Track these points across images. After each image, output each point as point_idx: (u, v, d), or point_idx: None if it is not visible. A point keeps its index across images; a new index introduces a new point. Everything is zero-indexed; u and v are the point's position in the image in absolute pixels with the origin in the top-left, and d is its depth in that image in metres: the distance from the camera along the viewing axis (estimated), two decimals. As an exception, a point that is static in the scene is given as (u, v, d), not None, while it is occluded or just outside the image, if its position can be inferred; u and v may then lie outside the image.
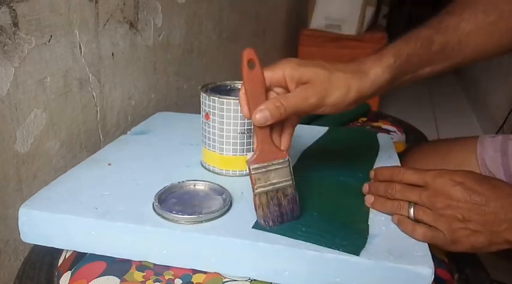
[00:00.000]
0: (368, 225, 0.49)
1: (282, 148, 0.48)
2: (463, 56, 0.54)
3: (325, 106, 0.47)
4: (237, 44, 1.32)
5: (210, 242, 0.46)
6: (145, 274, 0.47)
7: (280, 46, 1.98)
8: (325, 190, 0.56)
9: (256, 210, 0.47)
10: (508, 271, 0.77)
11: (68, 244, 0.49)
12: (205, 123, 0.58)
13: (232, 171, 0.59)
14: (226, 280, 0.46)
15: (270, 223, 0.47)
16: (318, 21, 1.92)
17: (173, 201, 0.51)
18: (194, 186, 0.55)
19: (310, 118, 0.90)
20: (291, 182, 0.48)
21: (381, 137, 0.75)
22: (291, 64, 0.46)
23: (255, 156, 0.46)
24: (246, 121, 0.56)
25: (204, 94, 0.57)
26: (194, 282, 0.46)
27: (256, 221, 0.48)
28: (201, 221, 0.47)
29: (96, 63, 0.72)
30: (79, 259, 0.50)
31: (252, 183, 0.46)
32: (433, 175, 0.48)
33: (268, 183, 0.47)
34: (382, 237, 0.47)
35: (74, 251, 0.51)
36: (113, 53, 0.76)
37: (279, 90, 0.47)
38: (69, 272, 0.49)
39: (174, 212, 0.48)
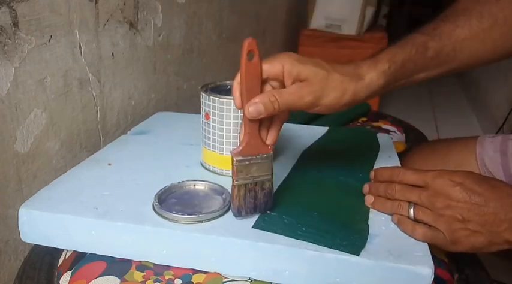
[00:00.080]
0: (368, 225, 0.49)
1: (268, 142, 0.48)
2: (458, 62, 0.55)
3: (320, 106, 0.47)
4: (237, 44, 1.32)
5: (210, 242, 0.46)
6: (145, 274, 0.47)
7: (280, 46, 1.98)
8: (325, 190, 0.56)
9: (232, 199, 0.47)
10: (508, 271, 0.77)
11: (68, 244, 0.49)
12: (205, 123, 0.58)
13: (232, 171, 0.59)
14: (226, 280, 0.46)
15: (243, 213, 0.48)
16: (318, 21, 1.92)
17: (173, 201, 0.51)
18: (194, 186, 0.55)
19: (310, 118, 0.90)
20: (270, 177, 0.48)
21: (381, 137, 0.75)
22: (290, 59, 0.46)
23: (240, 147, 0.47)
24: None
25: (204, 94, 0.58)
26: (194, 282, 0.46)
27: (256, 221, 0.48)
28: (201, 221, 0.47)
29: (96, 63, 0.72)
30: (79, 259, 0.50)
31: (233, 173, 0.47)
32: (432, 175, 0.48)
33: (249, 175, 0.47)
34: (382, 237, 0.47)
35: (74, 251, 0.51)
36: (112, 53, 0.76)
37: (274, 83, 0.47)
38: (69, 272, 0.49)
39: (174, 212, 0.48)
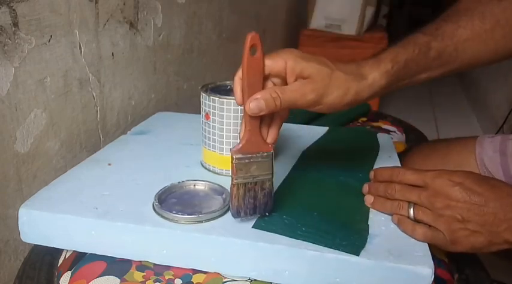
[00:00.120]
0: (368, 225, 0.49)
1: (268, 140, 0.47)
2: (460, 62, 0.55)
3: (322, 104, 0.46)
4: (237, 44, 1.32)
5: (210, 242, 0.46)
6: (145, 274, 0.47)
7: (280, 46, 1.97)
8: (325, 190, 0.56)
9: (231, 199, 0.46)
10: (508, 271, 0.77)
11: (68, 244, 0.49)
12: (205, 123, 0.58)
13: (232, 171, 0.59)
14: (226, 280, 0.46)
15: (242, 214, 0.47)
16: (318, 21, 1.92)
17: (173, 201, 0.51)
18: (194, 186, 0.55)
19: (310, 118, 0.90)
20: (270, 176, 0.47)
21: (381, 137, 0.75)
22: (293, 56, 0.45)
23: (240, 145, 0.45)
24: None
25: (204, 94, 0.58)
26: (194, 282, 0.46)
27: (256, 221, 0.48)
28: (201, 221, 0.47)
29: (96, 63, 0.72)
30: (79, 259, 0.50)
31: (232, 171, 0.46)
32: (432, 175, 0.48)
33: (249, 174, 0.46)
34: (382, 237, 0.47)
35: (74, 251, 0.51)
36: (113, 53, 0.76)
37: (276, 80, 0.46)
38: (69, 272, 0.49)
39: (174, 212, 0.48)
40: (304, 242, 0.45)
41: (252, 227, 0.47)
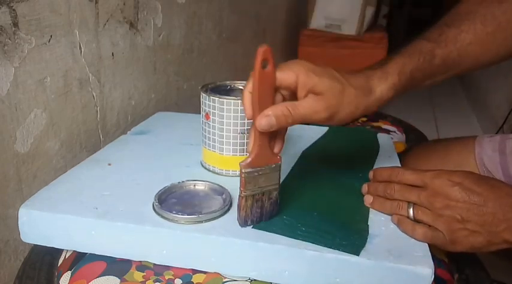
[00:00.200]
0: (368, 225, 0.49)
1: (275, 150, 0.47)
2: (462, 66, 0.55)
3: (333, 121, 0.46)
4: (237, 44, 1.32)
5: (210, 242, 0.46)
6: (145, 274, 0.47)
7: (280, 46, 1.98)
8: (325, 190, 0.56)
9: (239, 210, 0.46)
10: (508, 271, 0.77)
11: (68, 244, 0.49)
12: (205, 123, 0.58)
13: (232, 171, 0.59)
14: (226, 280, 0.46)
15: (249, 223, 0.47)
16: (318, 21, 1.92)
17: (173, 201, 0.51)
18: (194, 186, 0.55)
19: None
20: (277, 186, 0.48)
21: (381, 137, 0.75)
22: (304, 69, 0.44)
23: (249, 159, 0.45)
24: (246, 121, 0.56)
25: (204, 94, 0.58)
26: (194, 282, 0.46)
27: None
28: (201, 221, 0.47)
29: (96, 63, 0.72)
30: (79, 259, 0.50)
31: (241, 185, 0.45)
32: (431, 175, 0.48)
33: (257, 186, 0.46)
34: (382, 237, 0.47)
35: (74, 251, 0.51)
36: (113, 53, 0.76)
37: (285, 92, 0.46)
38: (69, 272, 0.49)
39: (174, 212, 0.48)
40: (304, 242, 0.45)
41: (252, 227, 0.47)
